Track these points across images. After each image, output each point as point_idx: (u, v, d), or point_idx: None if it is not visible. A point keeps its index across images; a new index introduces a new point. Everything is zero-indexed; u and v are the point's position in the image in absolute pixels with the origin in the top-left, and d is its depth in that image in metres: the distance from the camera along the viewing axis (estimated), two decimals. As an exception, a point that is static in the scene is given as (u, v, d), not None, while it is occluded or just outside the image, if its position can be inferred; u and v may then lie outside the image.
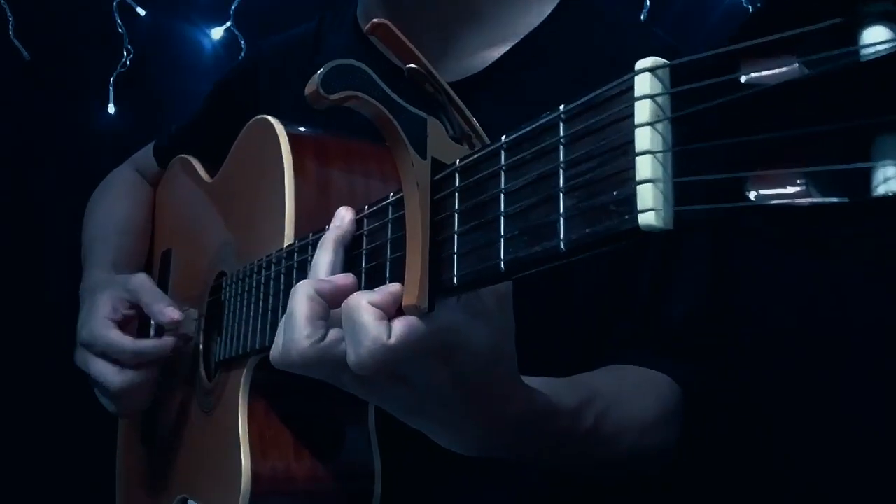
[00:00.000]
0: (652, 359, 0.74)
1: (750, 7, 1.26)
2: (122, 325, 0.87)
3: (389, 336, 0.46)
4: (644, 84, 0.31)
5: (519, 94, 0.80)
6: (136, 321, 0.91)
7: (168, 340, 0.85)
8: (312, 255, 0.62)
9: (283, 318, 0.52)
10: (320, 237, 0.62)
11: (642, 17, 1.23)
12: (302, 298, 0.50)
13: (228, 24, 1.43)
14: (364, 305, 0.47)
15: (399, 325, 0.46)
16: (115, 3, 1.42)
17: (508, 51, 0.82)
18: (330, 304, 0.51)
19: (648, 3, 1.28)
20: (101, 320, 0.86)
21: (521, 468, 0.76)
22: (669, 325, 0.75)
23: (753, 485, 1.07)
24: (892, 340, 1.01)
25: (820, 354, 1.06)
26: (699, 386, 0.75)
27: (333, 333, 0.50)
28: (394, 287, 0.48)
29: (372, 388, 0.53)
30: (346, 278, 0.53)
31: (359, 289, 0.52)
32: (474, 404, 0.52)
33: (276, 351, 0.52)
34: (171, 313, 0.84)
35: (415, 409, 0.54)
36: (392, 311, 0.47)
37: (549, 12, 0.83)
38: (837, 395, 1.04)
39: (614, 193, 0.32)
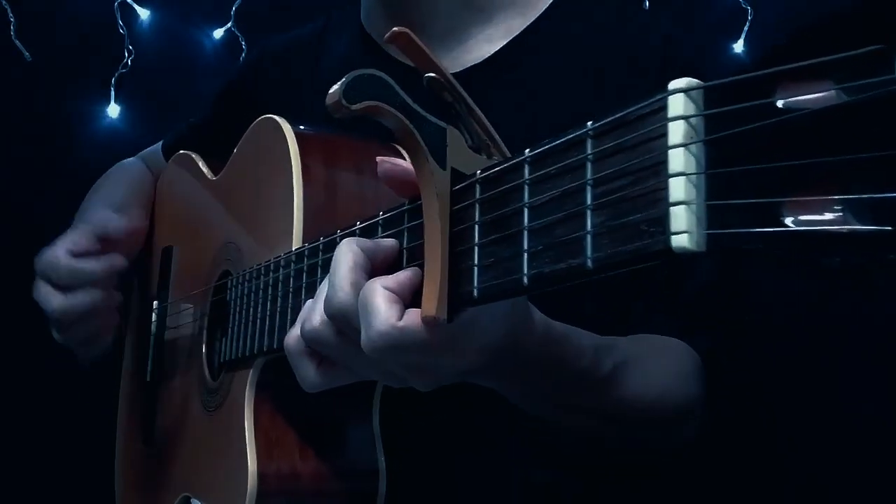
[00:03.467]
0: (668, 331, 0.73)
1: (749, 8, 1.25)
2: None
3: (400, 318, 0.47)
4: (678, 105, 0.31)
5: (523, 83, 0.81)
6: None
7: (103, 262, 0.83)
8: (322, 258, 0.63)
9: (331, 269, 0.52)
10: (331, 240, 0.62)
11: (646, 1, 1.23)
12: (346, 250, 0.51)
13: (229, 24, 1.42)
14: (377, 288, 0.48)
15: (412, 312, 0.47)
16: (116, 4, 1.42)
17: (512, 39, 0.82)
18: (372, 261, 0.52)
19: (647, 2, 1.28)
20: (56, 247, 0.84)
21: (525, 467, 0.76)
22: (684, 299, 0.74)
23: (756, 479, 1.07)
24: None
25: (824, 350, 1.06)
26: (716, 358, 0.74)
27: None
28: (406, 273, 0.49)
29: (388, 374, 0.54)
30: (389, 240, 0.53)
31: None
32: (495, 367, 0.53)
33: (316, 305, 0.53)
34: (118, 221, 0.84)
35: (431, 385, 0.55)
36: (407, 296, 0.48)
37: (549, 3, 0.83)
38: (841, 391, 1.04)
39: (646, 213, 0.32)
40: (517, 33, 0.82)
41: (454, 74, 0.84)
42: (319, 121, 0.72)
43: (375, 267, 0.51)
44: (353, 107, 0.44)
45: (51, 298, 0.83)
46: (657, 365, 0.69)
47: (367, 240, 0.53)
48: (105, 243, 0.87)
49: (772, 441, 1.06)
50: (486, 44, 0.82)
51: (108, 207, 0.99)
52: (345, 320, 0.51)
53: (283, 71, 0.96)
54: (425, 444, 0.77)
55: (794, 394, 1.06)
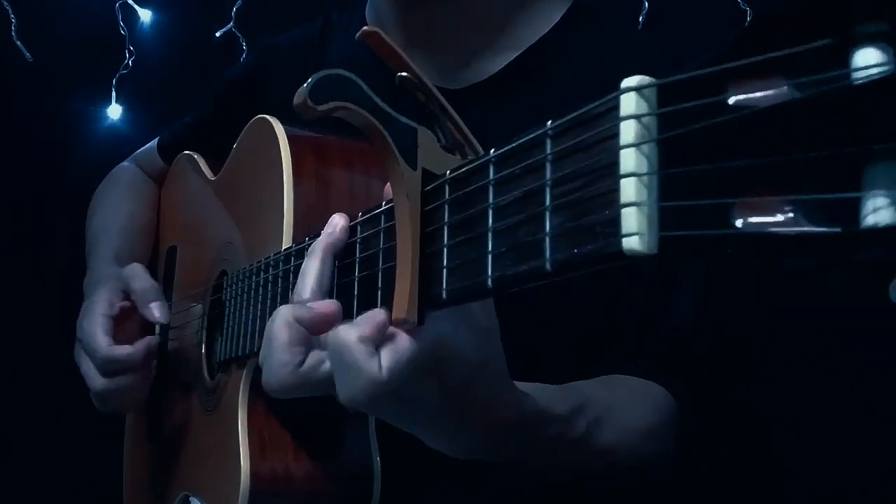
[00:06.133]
0: (645, 371, 0.73)
1: (748, 9, 1.24)
2: (121, 318, 0.87)
3: (381, 370, 0.45)
4: (630, 103, 0.30)
5: (523, 103, 0.80)
6: (137, 315, 0.91)
7: (139, 348, 0.85)
8: (308, 260, 0.63)
9: (263, 345, 0.51)
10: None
11: (640, 17, 1.22)
12: (280, 325, 0.50)
13: (230, 25, 1.42)
14: (353, 343, 0.45)
15: (388, 356, 0.45)
16: (117, 5, 1.42)
17: (514, 59, 0.82)
18: (310, 332, 0.50)
19: (647, 4, 1.26)
20: (95, 317, 0.86)
21: (523, 472, 0.76)
22: (663, 337, 0.75)
23: (752, 494, 1.06)
24: (888, 350, 1.00)
25: (818, 365, 1.05)
26: (696, 395, 0.74)
27: (313, 357, 0.50)
28: (380, 316, 0.46)
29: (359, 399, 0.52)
30: (329, 305, 0.51)
31: (352, 303, 0.52)
32: (462, 409, 0.51)
33: (262, 378, 0.53)
34: (155, 311, 0.86)
35: (401, 415, 0.53)
36: (379, 339, 0.46)
37: (555, 21, 0.83)
38: (835, 403, 1.03)
39: (600, 214, 0.31)
40: (521, 51, 0.82)
41: (460, 91, 0.85)
42: (321, 121, 0.72)
43: (316, 332, 0.50)
44: (320, 107, 0.43)
45: (93, 378, 0.86)
46: (630, 418, 0.68)
47: (304, 308, 0.51)
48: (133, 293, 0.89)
49: (767, 459, 1.04)
50: (489, 60, 0.82)
51: (120, 236, 1.02)
52: (287, 393, 0.50)
53: (285, 71, 0.96)
54: (420, 446, 0.76)
55: (787, 414, 1.04)
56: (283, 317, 0.50)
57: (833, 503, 1.00)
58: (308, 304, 0.52)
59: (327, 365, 0.49)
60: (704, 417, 0.74)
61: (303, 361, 0.50)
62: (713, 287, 0.76)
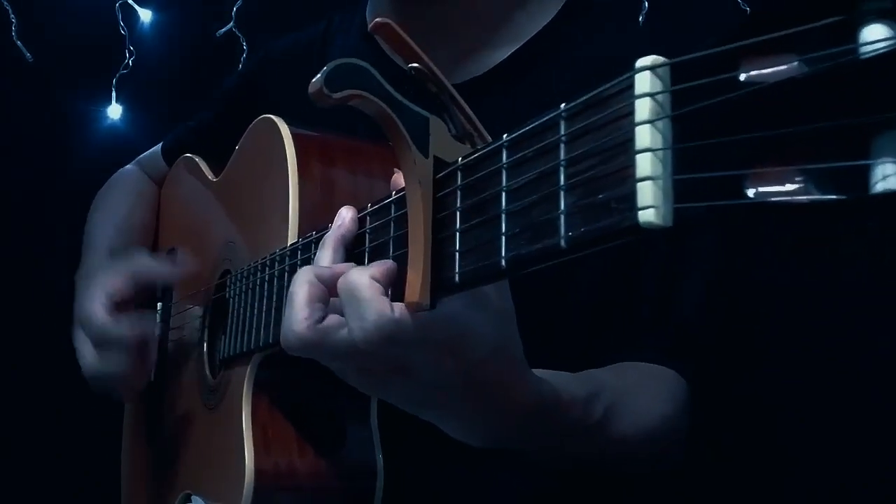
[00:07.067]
0: (657, 356, 0.74)
1: (747, 8, 1.25)
2: (122, 306, 0.87)
3: (393, 310, 0.47)
4: (644, 82, 0.32)
5: (522, 97, 0.81)
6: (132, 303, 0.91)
7: (135, 326, 0.84)
8: (315, 253, 0.63)
9: (286, 304, 0.53)
10: (322, 235, 0.62)
11: (640, 17, 1.23)
12: (301, 282, 0.52)
13: (230, 25, 1.43)
14: (366, 281, 0.48)
15: (401, 305, 0.47)
16: (117, 5, 1.43)
17: (512, 54, 0.83)
18: (330, 291, 0.52)
19: (646, 4, 1.27)
20: (95, 295, 0.86)
21: (525, 465, 0.76)
22: (675, 323, 0.75)
23: (757, 484, 1.07)
24: (893, 340, 1.01)
25: (823, 354, 1.06)
26: (703, 384, 0.75)
27: (333, 318, 0.51)
28: (390, 262, 0.49)
29: (374, 379, 0.53)
30: (347, 266, 0.53)
31: None
32: (481, 394, 0.53)
33: (280, 335, 0.54)
34: (178, 267, 0.87)
35: (421, 401, 0.54)
36: (389, 283, 0.49)
37: (553, 15, 0.84)
38: (842, 396, 1.04)
39: (615, 191, 0.32)
40: (519, 45, 0.83)
41: (458, 86, 0.86)
42: (323, 122, 0.73)
43: (335, 291, 0.52)
44: (335, 95, 0.44)
45: (85, 355, 0.86)
46: (645, 404, 0.69)
47: (325, 268, 0.53)
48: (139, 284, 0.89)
49: (772, 452, 1.05)
50: (487, 54, 0.83)
51: (117, 232, 1.02)
52: (306, 350, 0.52)
53: (287, 73, 0.96)
54: (423, 442, 0.77)
55: (793, 407, 1.05)
56: (303, 275, 0.52)
57: (838, 494, 1.01)
58: (327, 265, 0.54)
59: (346, 330, 0.50)
60: (710, 407, 0.75)
61: (322, 318, 0.51)
62: (720, 277, 0.77)
